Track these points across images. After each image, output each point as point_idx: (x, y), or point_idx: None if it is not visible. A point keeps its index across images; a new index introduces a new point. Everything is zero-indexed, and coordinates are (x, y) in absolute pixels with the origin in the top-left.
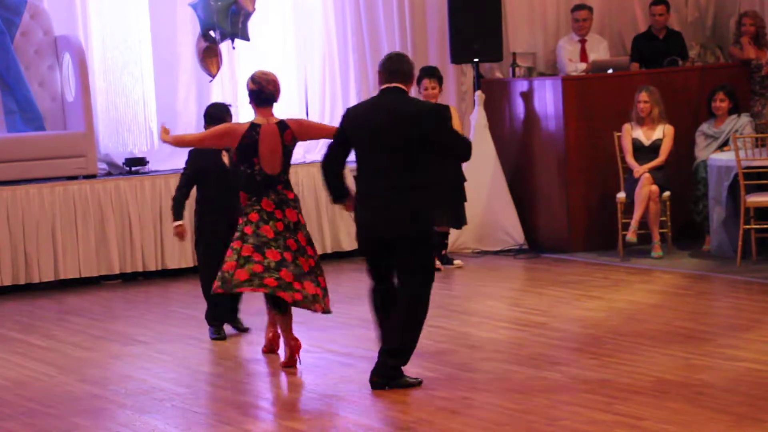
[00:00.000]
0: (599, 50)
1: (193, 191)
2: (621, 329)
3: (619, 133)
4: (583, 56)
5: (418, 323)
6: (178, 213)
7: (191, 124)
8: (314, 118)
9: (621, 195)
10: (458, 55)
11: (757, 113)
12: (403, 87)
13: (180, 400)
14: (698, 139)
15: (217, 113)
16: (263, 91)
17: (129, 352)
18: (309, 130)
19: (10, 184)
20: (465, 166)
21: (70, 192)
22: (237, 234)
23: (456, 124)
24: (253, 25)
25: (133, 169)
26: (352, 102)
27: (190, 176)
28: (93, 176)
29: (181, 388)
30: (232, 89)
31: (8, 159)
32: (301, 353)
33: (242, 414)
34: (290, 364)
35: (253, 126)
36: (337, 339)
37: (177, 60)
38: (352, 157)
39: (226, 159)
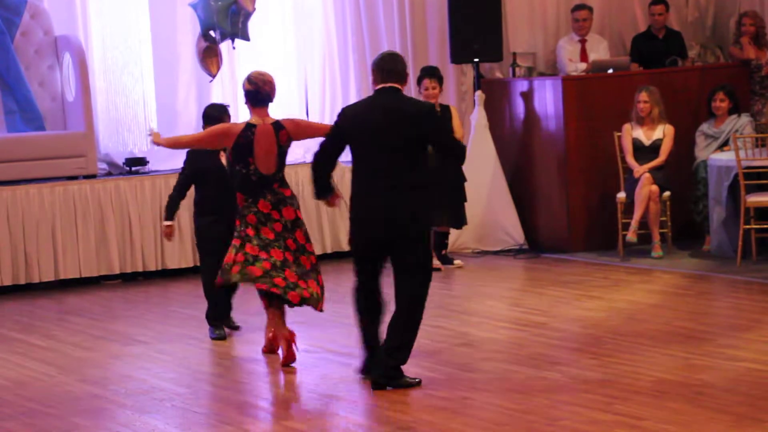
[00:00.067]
0: (599, 50)
1: (192, 192)
2: (621, 329)
3: (619, 133)
4: (583, 56)
5: (417, 323)
6: (170, 213)
7: (191, 124)
8: (314, 118)
9: (621, 195)
10: (458, 55)
11: (757, 112)
12: (399, 87)
13: (180, 400)
14: (698, 139)
15: (215, 114)
16: (259, 92)
17: (129, 352)
18: (304, 130)
19: (10, 184)
20: (465, 166)
21: (70, 192)
22: (236, 234)
23: (456, 124)
24: (253, 25)
25: (133, 169)
26: (353, 102)
27: (188, 176)
28: (93, 176)
29: (181, 388)
30: (232, 89)
31: (8, 159)
32: (301, 353)
33: (242, 414)
34: (289, 357)
35: (249, 126)
36: (337, 339)
37: (177, 60)
38: (346, 156)
39: (224, 160)
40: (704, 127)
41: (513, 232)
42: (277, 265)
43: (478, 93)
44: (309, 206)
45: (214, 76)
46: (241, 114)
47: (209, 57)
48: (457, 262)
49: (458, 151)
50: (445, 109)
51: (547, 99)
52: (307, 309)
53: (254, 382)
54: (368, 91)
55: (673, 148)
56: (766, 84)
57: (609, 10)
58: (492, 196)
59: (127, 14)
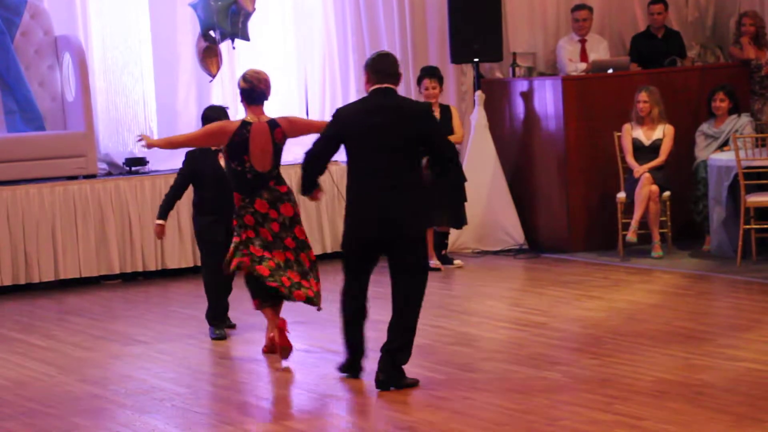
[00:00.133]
0: (599, 50)
1: (191, 193)
2: (621, 329)
3: (619, 133)
4: (583, 56)
5: (416, 321)
6: (163, 212)
7: (191, 124)
8: (314, 117)
9: (621, 195)
10: (458, 55)
11: (758, 110)
12: (393, 87)
13: (180, 400)
14: (698, 139)
15: (214, 116)
16: (254, 90)
17: (129, 352)
18: (299, 127)
19: (10, 184)
20: (465, 166)
21: (70, 192)
22: (236, 233)
23: (456, 124)
24: (253, 25)
25: (133, 169)
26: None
27: (186, 177)
28: (93, 176)
29: (181, 388)
30: (232, 89)
31: (8, 159)
32: (301, 353)
33: (242, 414)
34: (284, 343)
35: (244, 124)
36: (337, 339)
37: (177, 60)
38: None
39: (222, 161)
40: (704, 127)
41: (513, 232)
42: (280, 265)
43: (478, 93)
44: (309, 206)
45: (214, 76)
46: (240, 114)
47: (209, 57)
48: (457, 262)
49: (451, 154)
50: (445, 109)
51: (547, 99)
52: (306, 309)
53: (254, 382)
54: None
55: (673, 148)
56: (765, 84)
57: (609, 10)
58: (492, 196)
59: (127, 14)
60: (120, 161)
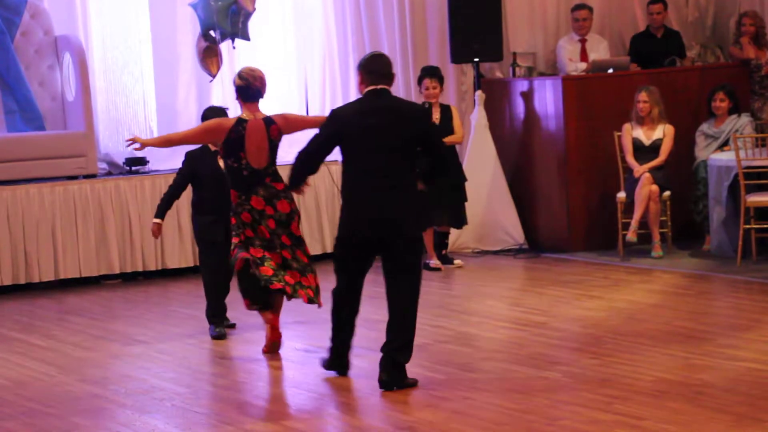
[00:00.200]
0: (599, 50)
1: (190, 193)
2: (621, 329)
3: (619, 133)
4: (583, 56)
5: (415, 320)
6: (161, 211)
7: (191, 123)
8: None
9: (621, 195)
10: (458, 55)
11: (758, 110)
12: (388, 89)
13: (180, 399)
14: (698, 139)
15: (213, 116)
16: (250, 87)
17: (129, 352)
18: (295, 124)
19: (10, 184)
20: (465, 166)
21: (70, 192)
22: (235, 232)
23: (456, 124)
24: (253, 24)
25: (133, 168)
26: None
27: (185, 176)
28: (93, 176)
29: (181, 387)
30: (232, 89)
31: (8, 159)
32: (301, 353)
33: (242, 414)
34: (274, 338)
35: (240, 121)
36: None
37: (177, 60)
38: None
39: (222, 162)
40: (704, 127)
41: (513, 232)
42: (280, 266)
43: (478, 93)
44: (309, 206)
45: (214, 76)
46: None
47: (209, 57)
48: (457, 262)
49: (445, 153)
50: (446, 108)
51: (547, 99)
52: (306, 309)
53: (254, 382)
54: None
55: (673, 148)
56: (765, 84)
57: (609, 10)
58: (492, 196)
59: (127, 14)
60: (120, 161)
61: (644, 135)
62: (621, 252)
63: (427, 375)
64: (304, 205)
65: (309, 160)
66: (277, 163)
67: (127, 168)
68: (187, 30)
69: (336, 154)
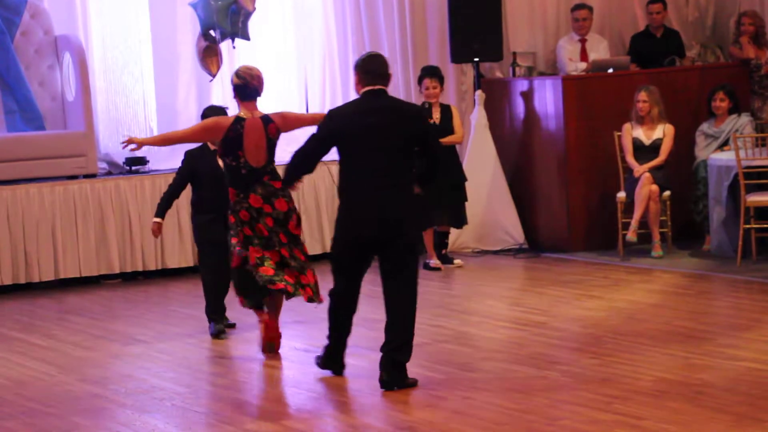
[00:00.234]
0: (599, 50)
1: (188, 193)
2: (621, 329)
3: (619, 133)
4: (584, 56)
5: (414, 319)
6: (161, 210)
7: (191, 123)
8: None
9: (621, 194)
10: (458, 55)
11: (758, 108)
12: (385, 89)
13: (180, 399)
14: (698, 139)
15: (212, 116)
16: (248, 86)
17: (129, 351)
18: (292, 122)
19: (10, 184)
20: (465, 165)
21: (70, 191)
22: (234, 232)
23: (456, 123)
24: (253, 24)
25: (133, 168)
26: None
27: (184, 176)
28: (93, 176)
29: (181, 387)
30: (232, 89)
31: (8, 159)
32: (301, 353)
33: (242, 413)
34: (269, 336)
35: (238, 120)
36: None
37: (177, 60)
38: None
39: (221, 162)
40: (704, 126)
41: (513, 232)
42: (279, 262)
43: (478, 92)
44: (309, 206)
45: (214, 76)
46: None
47: (209, 57)
48: (457, 261)
49: (440, 154)
50: (446, 108)
51: (547, 99)
52: (306, 309)
53: (254, 382)
54: None
55: (673, 148)
56: (765, 83)
57: (609, 10)
58: (492, 196)
59: (127, 14)
60: (120, 161)
61: (644, 135)
62: (621, 252)
63: (426, 375)
64: (304, 205)
65: (305, 160)
66: (276, 162)
67: (127, 168)
68: (187, 30)
69: (335, 154)
